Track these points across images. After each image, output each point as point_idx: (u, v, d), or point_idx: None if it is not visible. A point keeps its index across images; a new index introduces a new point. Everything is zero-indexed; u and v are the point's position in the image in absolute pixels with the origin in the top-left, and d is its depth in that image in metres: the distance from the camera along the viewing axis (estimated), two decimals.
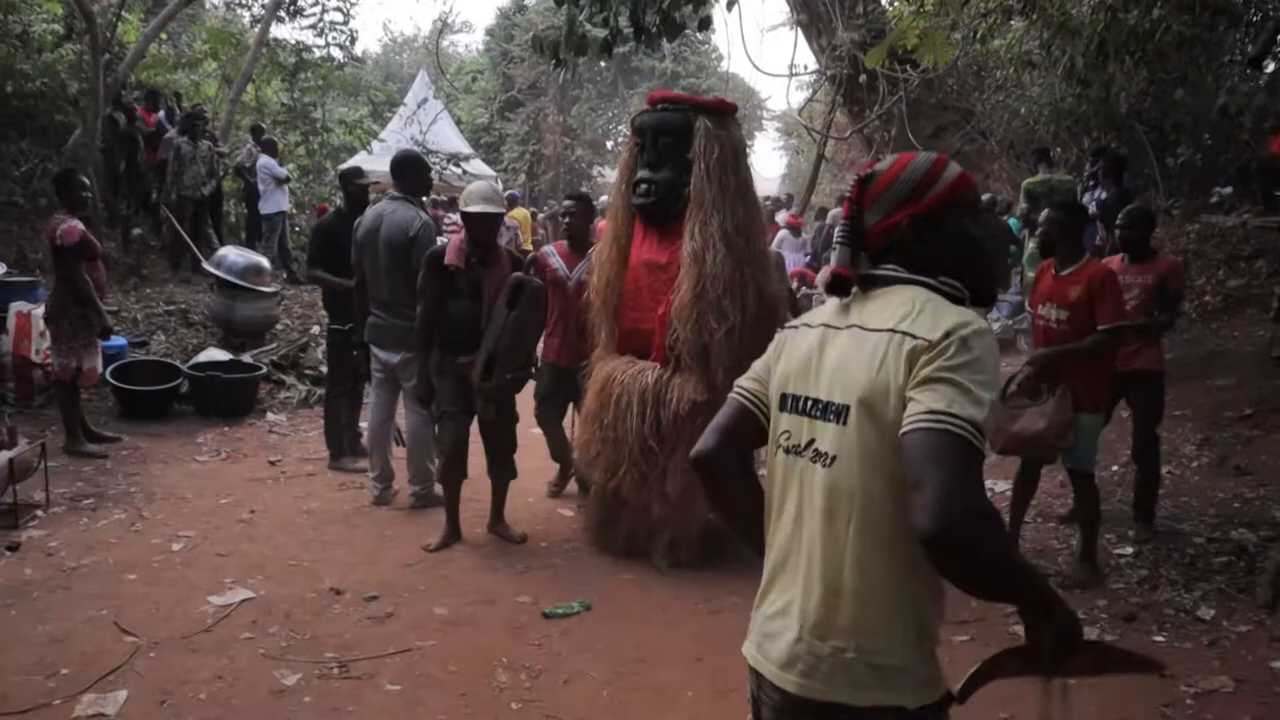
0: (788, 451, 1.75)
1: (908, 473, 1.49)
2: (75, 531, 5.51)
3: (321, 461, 6.97)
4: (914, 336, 1.60)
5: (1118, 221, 5.50)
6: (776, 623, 1.73)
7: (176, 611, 4.42)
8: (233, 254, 10.08)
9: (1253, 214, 10.96)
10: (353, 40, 17.65)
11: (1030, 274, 9.00)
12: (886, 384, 1.59)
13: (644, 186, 5.08)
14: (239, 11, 18.19)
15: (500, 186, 21.50)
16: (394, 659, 4.00)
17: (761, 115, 31.23)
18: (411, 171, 5.93)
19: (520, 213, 15.59)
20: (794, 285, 13.48)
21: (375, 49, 34.89)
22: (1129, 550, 5.08)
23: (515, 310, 5.11)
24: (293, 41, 16.65)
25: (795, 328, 1.86)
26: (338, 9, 16.87)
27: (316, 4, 16.78)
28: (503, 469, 5.51)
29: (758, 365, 1.92)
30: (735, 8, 7.58)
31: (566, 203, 6.54)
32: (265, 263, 10.37)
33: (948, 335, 1.57)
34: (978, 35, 10.16)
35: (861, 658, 1.61)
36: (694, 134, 4.96)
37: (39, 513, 5.76)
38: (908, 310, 1.66)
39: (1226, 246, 10.34)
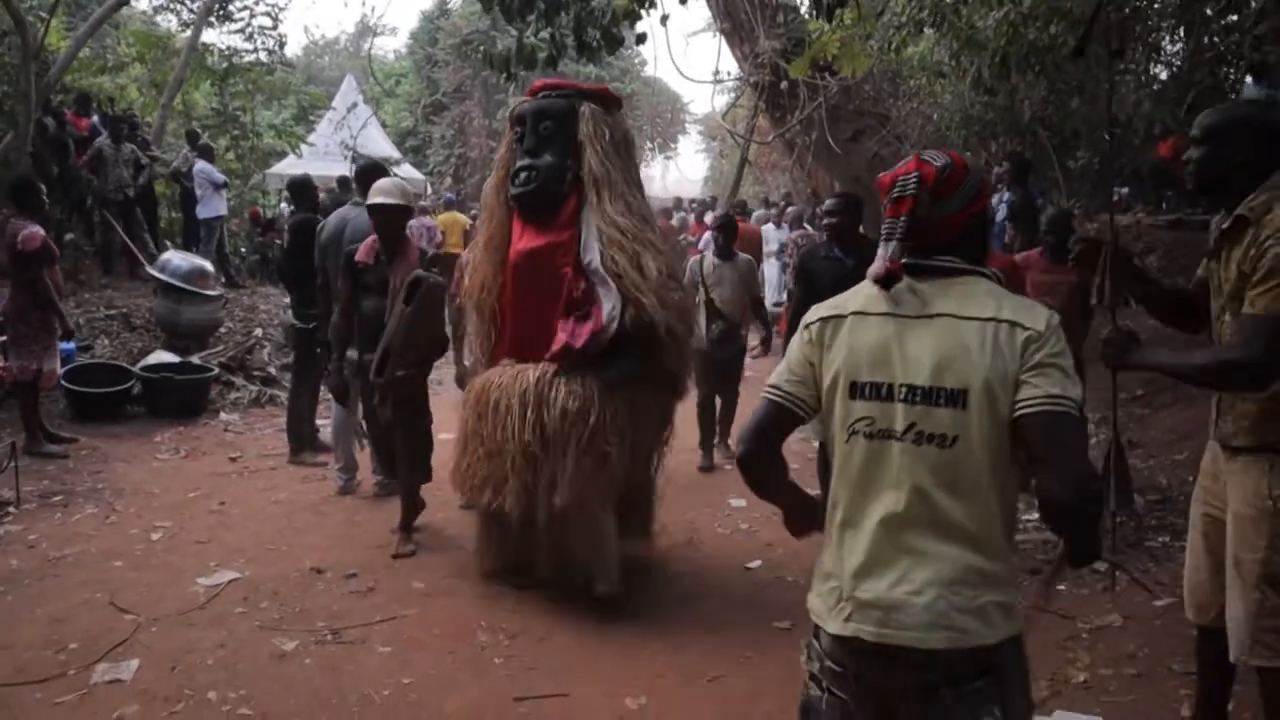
0: (870, 436, 1.91)
1: (1035, 448, 1.79)
2: (51, 525, 5.75)
3: (281, 457, 7.25)
4: (1024, 326, 1.83)
5: (1043, 227, 6.13)
6: (897, 593, 1.86)
7: (169, 592, 4.73)
8: (177, 258, 10.24)
9: (1145, 213, 11.82)
10: (281, 45, 17.76)
11: None
12: (1004, 370, 1.81)
13: (524, 175, 4.62)
14: (166, 15, 18.10)
15: (429, 189, 21.71)
16: (381, 626, 4.37)
17: (685, 119, 31.86)
18: (374, 180, 6.28)
19: (452, 216, 15.88)
20: None
21: (296, 52, 34.65)
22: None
23: (409, 306, 5.06)
24: (222, 46, 16.71)
25: (834, 318, 1.99)
26: (266, 14, 16.98)
27: (245, 9, 16.87)
28: (410, 471, 5.44)
29: (793, 363, 2.04)
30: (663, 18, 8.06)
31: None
32: (209, 266, 10.56)
33: (1049, 326, 1.84)
34: (892, 46, 10.77)
35: (994, 601, 1.85)
36: (579, 119, 4.65)
37: (11, 509, 5.98)
38: (995, 301, 1.89)
39: (1122, 243, 11.12)
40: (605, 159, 4.60)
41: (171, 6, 17.06)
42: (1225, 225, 2.74)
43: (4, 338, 7.56)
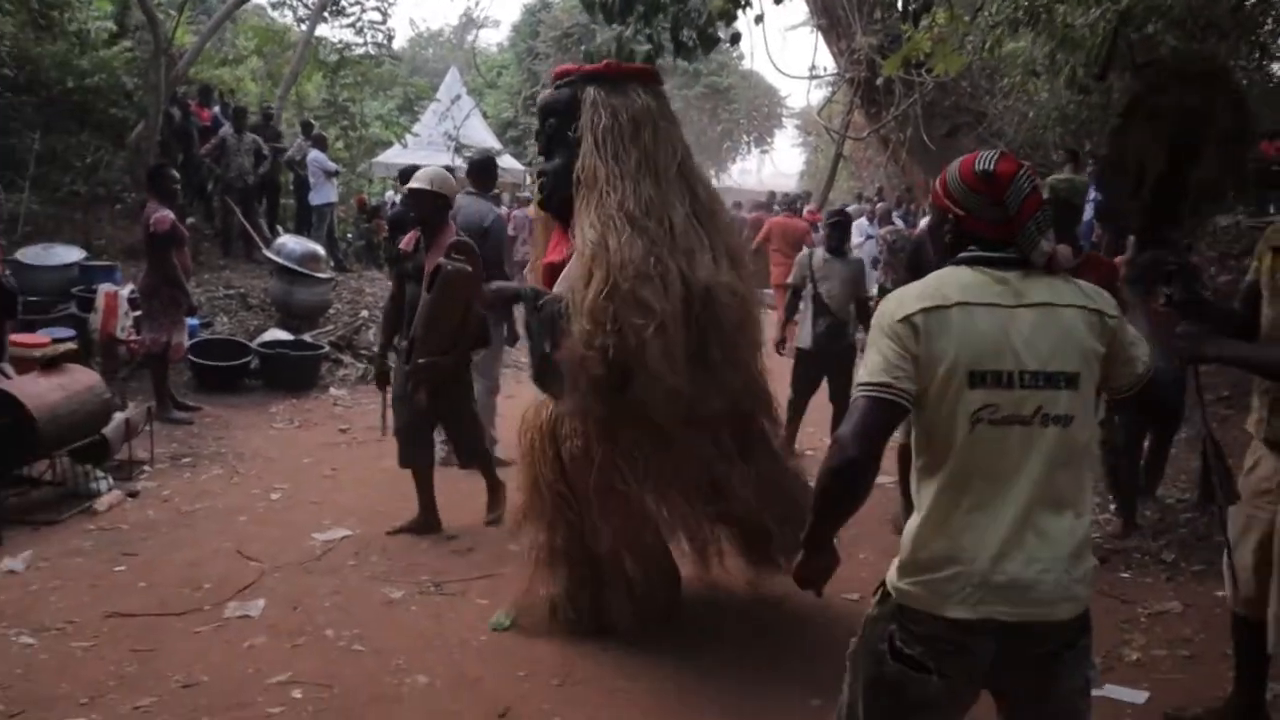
0: (995, 423, 1.99)
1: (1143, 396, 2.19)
2: (182, 483, 6.30)
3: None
4: (1106, 315, 2.09)
5: None
6: (1030, 573, 1.99)
7: (288, 545, 5.20)
8: (291, 242, 10.85)
9: (1246, 214, 11.62)
10: (389, 38, 18.44)
11: None
12: (1095, 352, 2.06)
13: (540, 180, 4.42)
14: (282, 10, 18.93)
15: (529, 180, 22.23)
16: (480, 582, 4.77)
17: (781, 113, 31.91)
18: (485, 171, 6.73)
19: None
20: None
21: (401, 44, 35.67)
22: (1111, 509, 5.79)
23: (429, 294, 5.08)
24: (335, 40, 17.43)
25: (937, 309, 2.03)
26: (376, 8, 17.66)
27: (356, 4, 17.56)
28: (467, 456, 5.70)
29: (892, 359, 2.01)
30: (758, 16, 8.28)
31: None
32: (321, 251, 11.15)
33: (1117, 309, 2.14)
34: (987, 44, 10.84)
35: (1093, 564, 2.10)
36: (580, 108, 4.14)
37: (146, 467, 6.54)
38: (1075, 289, 2.11)
39: (1219, 245, 10.98)
40: (599, 150, 4.03)
41: (289, 2, 17.86)
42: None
43: (138, 312, 8.22)
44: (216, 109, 14.05)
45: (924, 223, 12.26)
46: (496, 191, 7.73)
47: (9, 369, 5.73)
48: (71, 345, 6.42)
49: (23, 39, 12.93)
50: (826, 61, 20.30)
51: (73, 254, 9.96)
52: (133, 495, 5.98)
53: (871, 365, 2.04)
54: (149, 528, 5.45)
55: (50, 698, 3.61)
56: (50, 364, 5.76)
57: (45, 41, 13.31)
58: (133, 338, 8.29)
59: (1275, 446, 2.87)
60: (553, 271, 4.23)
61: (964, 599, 1.99)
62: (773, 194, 21.10)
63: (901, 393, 2.00)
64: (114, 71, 13.77)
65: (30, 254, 9.74)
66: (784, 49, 22.11)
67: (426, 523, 5.45)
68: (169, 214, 7.66)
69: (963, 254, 2.15)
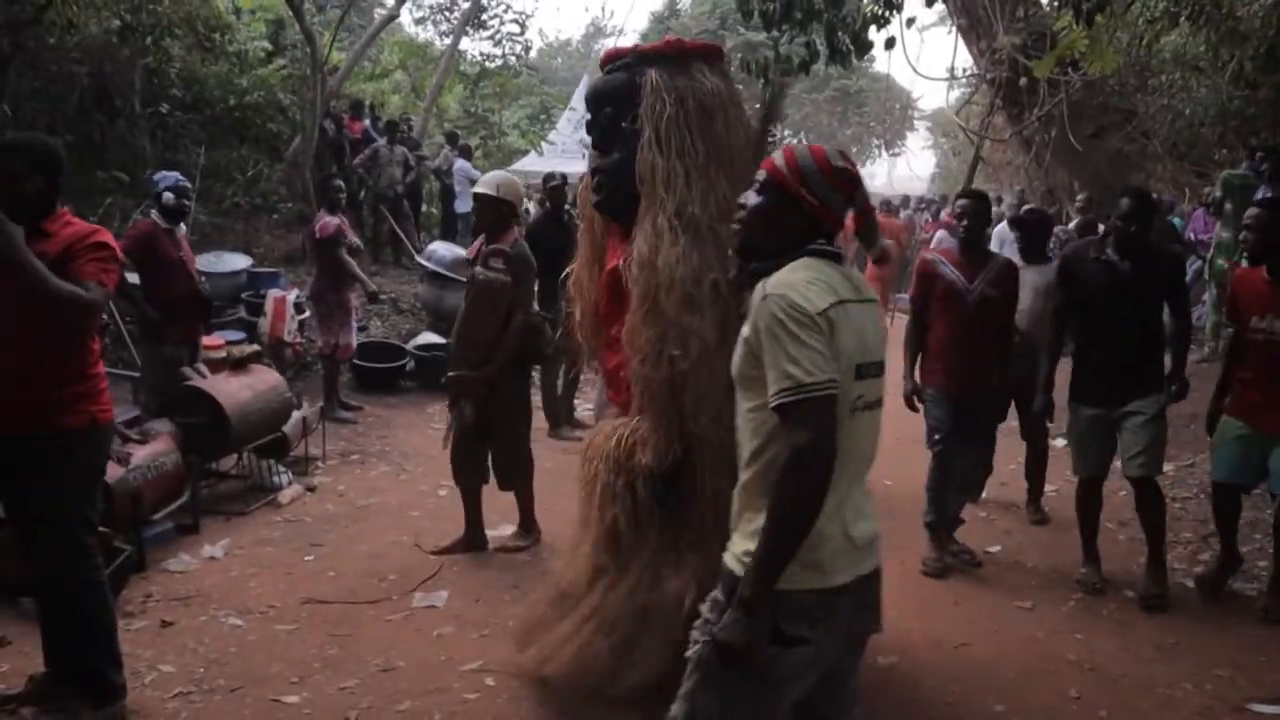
0: (865, 409, 2.14)
1: None
2: (354, 479, 6.60)
3: (541, 431, 7.92)
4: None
5: None
6: (870, 531, 2.19)
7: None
8: (441, 249, 11.23)
9: None
10: (527, 50, 18.88)
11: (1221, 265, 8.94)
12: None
13: (596, 178, 3.77)
14: (425, 26, 19.59)
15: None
16: None
17: (913, 115, 31.42)
18: None
19: None
20: None
21: (532, 54, 36.33)
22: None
23: (465, 304, 4.92)
24: (475, 53, 17.96)
25: (841, 303, 2.07)
26: (515, 21, 18.11)
27: (495, 17, 18.05)
28: (503, 478, 5.31)
29: (825, 352, 2.00)
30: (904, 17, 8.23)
31: (961, 201, 5.39)
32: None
33: None
34: (1143, 40, 10.50)
35: None
36: (641, 93, 3.55)
37: (319, 464, 6.88)
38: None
39: None
40: (661, 143, 3.45)
41: (432, 18, 18.45)
42: None
43: (303, 316, 8.63)
44: (366, 122, 14.61)
45: (1071, 226, 11.95)
46: None
47: (204, 369, 6.10)
48: (255, 347, 6.79)
49: (189, 61, 13.72)
50: (965, 62, 19.85)
51: (241, 261, 10.50)
52: (310, 490, 6.30)
53: (808, 361, 1.98)
54: (329, 520, 5.74)
55: (263, 676, 3.86)
56: (239, 365, 6.11)
57: (209, 62, 14.09)
58: (298, 340, 8.71)
59: None
60: (615, 277, 3.64)
61: (839, 566, 2.10)
62: (906, 197, 20.84)
63: (837, 385, 2.01)
64: (271, 89, 14.50)
65: (204, 261, 10.26)
66: (920, 50, 21.65)
67: (472, 541, 5.31)
68: (334, 220, 8.05)
69: (814, 247, 2.16)
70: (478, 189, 5.12)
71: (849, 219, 2.37)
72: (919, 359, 5.26)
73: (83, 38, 11.69)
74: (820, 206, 2.16)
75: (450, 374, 4.98)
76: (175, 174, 6.40)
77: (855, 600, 2.15)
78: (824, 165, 2.17)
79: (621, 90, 3.63)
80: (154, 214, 6.14)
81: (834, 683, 2.22)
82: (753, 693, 2.07)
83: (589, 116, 3.84)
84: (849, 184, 2.19)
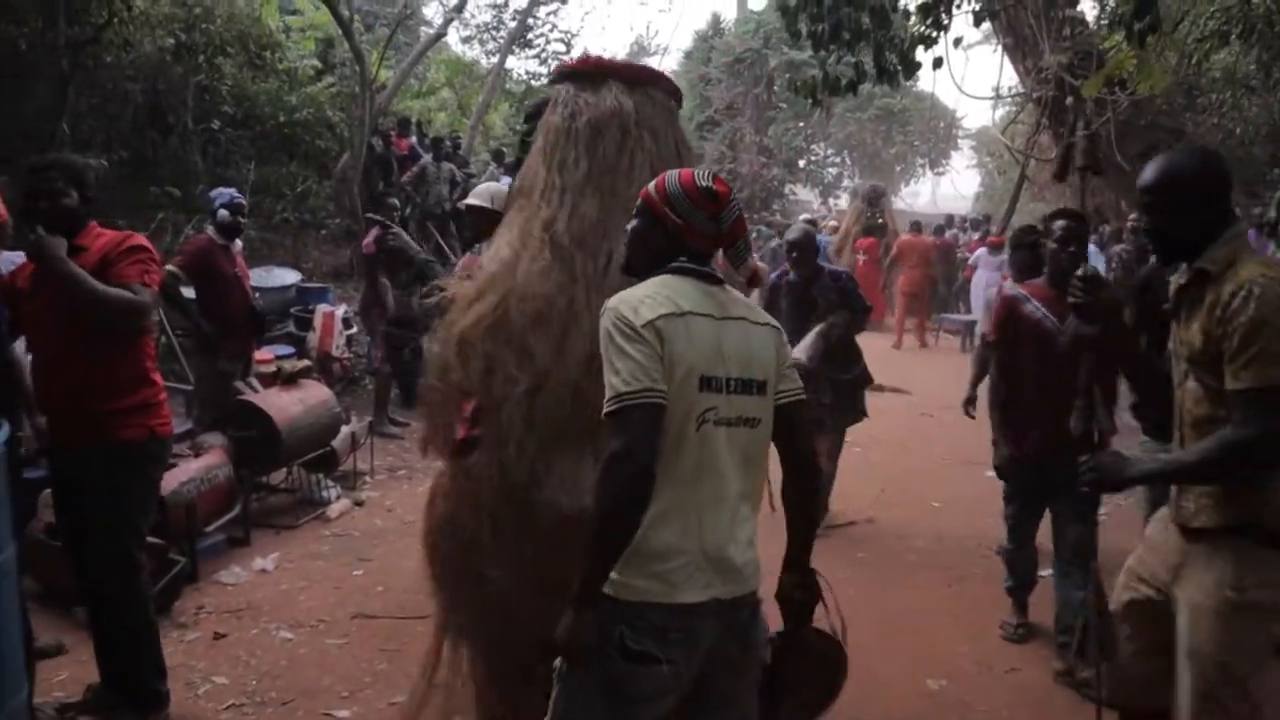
0: (716, 424, 2.13)
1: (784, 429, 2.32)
2: (402, 494, 6.65)
3: None
4: (781, 333, 2.34)
5: None
6: (738, 553, 2.17)
7: None
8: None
9: None
10: None
11: None
12: (775, 364, 2.27)
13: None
14: (471, 45, 19.80)
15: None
16: None
17: (957, 134, 31.24)
18: None
19: None
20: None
21: None
22: None
23: None
24: (521, 72, 18.13)
25: (674, 315, 2.11)
26: (560, 40, 18.25)
27: (540, 36, 18.21)
28: None
29: (646, 363, 2.04)
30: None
31: (1059, 223, 4.44)
32: None
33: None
34: (1193, 59, 10.39)
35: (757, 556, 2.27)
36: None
37: (367, 478, 6.95)
38: (760, 310, 2.35)
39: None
40: (545, 154, 3.30)
41: (478, 37, 18.65)
42: (1183, 281, 2.52)
43: (351, 331, 8.74)
44: (413, 139, 14.78)
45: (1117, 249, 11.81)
46: None
47: (256, 383, 6.19)
48: (306, 362, 6.88)
49: (240, 78, 13.96)
50: (1010, 80, 19.73)
51: (290, 276, 10.65)
52: (359, 504, 6.37)
53: (627, 372, 2.03)
54: (378, 535, 5.79)
55: (314, 689, 3.90)
56: (290, 379, 6.19)
57: (259, 80, 14.33)
58: (345, 355, 8.82)
59: (1184, 528, 2.53)
60: None
61: (692, 584, 2.09)
62: (950, 216, 20.71)
63: (662, 394, 2.05)
64: (319, 106, 14.71)
65: (254, 276, 10.35)
66: (965, 68, 21.57)
67: None
68: None
69: (675, 264, 2.22)
70: (469, 200, 4.90)
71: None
72: (995, 404, 4.60)
73: (138, 56, 11.95)
74: (684, 225, 2.22)
75: None
76: (231, 190, 6.50)
77: (723, 624, 2.16)
78: (688, 185, 2.24)
79: (540, 105, 3.60)
80: (210, 229, 6.25)
81: (713, 705, 2.23)
82: (608, 707, 2.11)
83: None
84: (712, 202, 2.23)
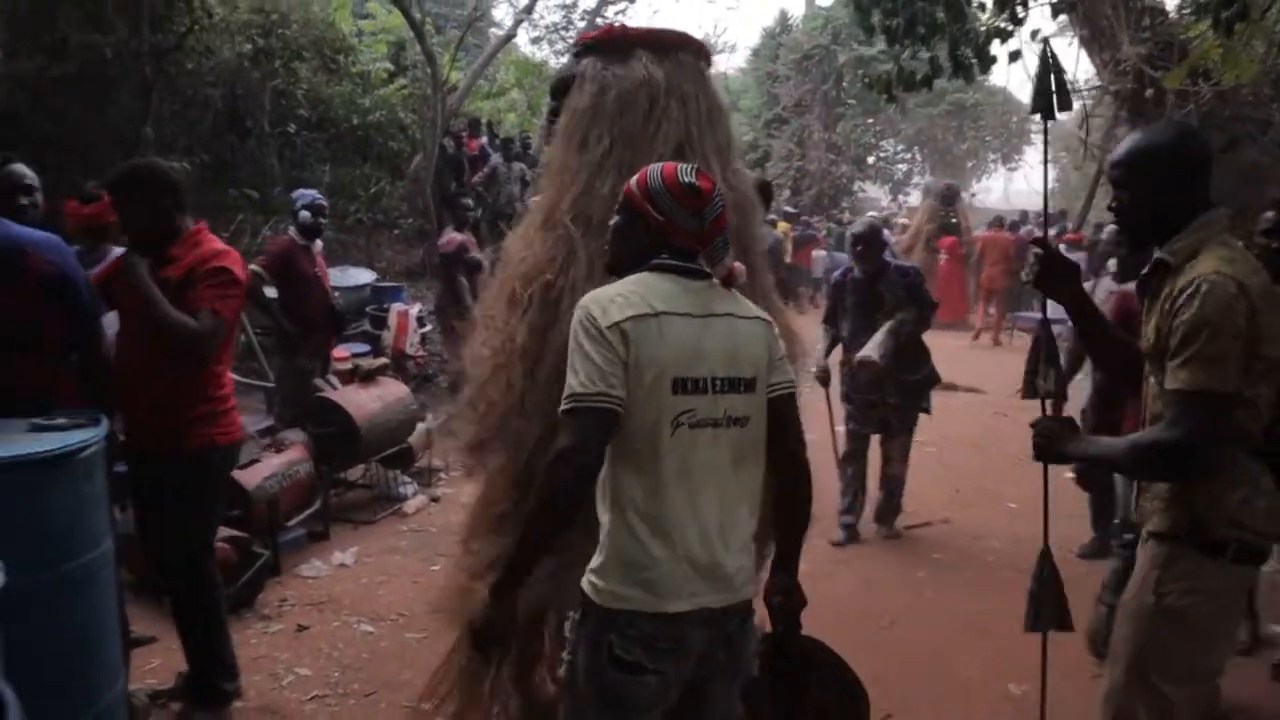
0: (693, 426, 2.07)
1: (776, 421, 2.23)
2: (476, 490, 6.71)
3: None
4: (771, 325, 2.25)
5: None
6: (729, 560, 2.10)
7: None
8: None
9: None
10: None
11: None
12: (766, 359, 2.19)
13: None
14: (541, 45, 19.94)
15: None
16: None
17: (1030, 129, 30.66)
18: (761, 193, 6.84)
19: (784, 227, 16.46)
20: None
21: None
22: None
23: None
24: None
25: (644, 317, 2.05)
26: None
27: None
28: None
29: (605, 367, 2.00)
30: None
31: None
32: None
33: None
34: None
35: (753, 558, 2.23)
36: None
37: (442, 475, 7.03)
38: (748, 304, 2.26)
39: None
40: (568, 133, 3.23)
41: (547, 37, 18.75)
42: (1145, 271, 2.42)
43: (425, 330, 8.86)
44: (483, 139, 14.93)
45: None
46: (772, 218, 7.84)
47: (335, 381, 6.31)
48: (384, 360, 6.99)
49: (315, 82, 14.23)
50: (1086, 73, 19.31)
51: (365, 276, 10.81)
52: (434, 500, 6.45)
53: (585, 374, 2.00)
54: (453, 531, 5.80)
55: (396, 682, 3.96)
56: (368, 377, 6.30)
57: (333, 83, 14.59)
58: (419, 353, 8.94)
59: (1139, 527, 2.49)
60: None
61: (679, 593, 2.05)
62: (1025, 213, 20.33)
63: (617, 400, 2.00)
64: (392, 108, 14.95)
65: (331, 276, 10.64)
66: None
67: None
68: (457, 236, 8.26)
69: (657, 260, 2.17)
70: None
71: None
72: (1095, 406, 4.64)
73: (217, 63, 12.24)
74: (665, 221, 2.16)
75: None
76: (312, 192, 6.63)
77: (712, 632, 2.11)
78: (670, 181, 2.18)
79: (565, 81, 3.44)
80: (291, 230, 6.38)
81: (700, 711, 2.21)
82: (609, 713, 2.09)
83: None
84: (694, 198, 2.17)
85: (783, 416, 2.23)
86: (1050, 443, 2.52)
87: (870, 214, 15.98)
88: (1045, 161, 3.13)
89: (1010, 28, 7.25)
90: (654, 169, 2.23)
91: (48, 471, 2.44)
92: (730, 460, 2.13)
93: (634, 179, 2.25)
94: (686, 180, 2.17)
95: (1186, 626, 2.32)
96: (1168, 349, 2.25)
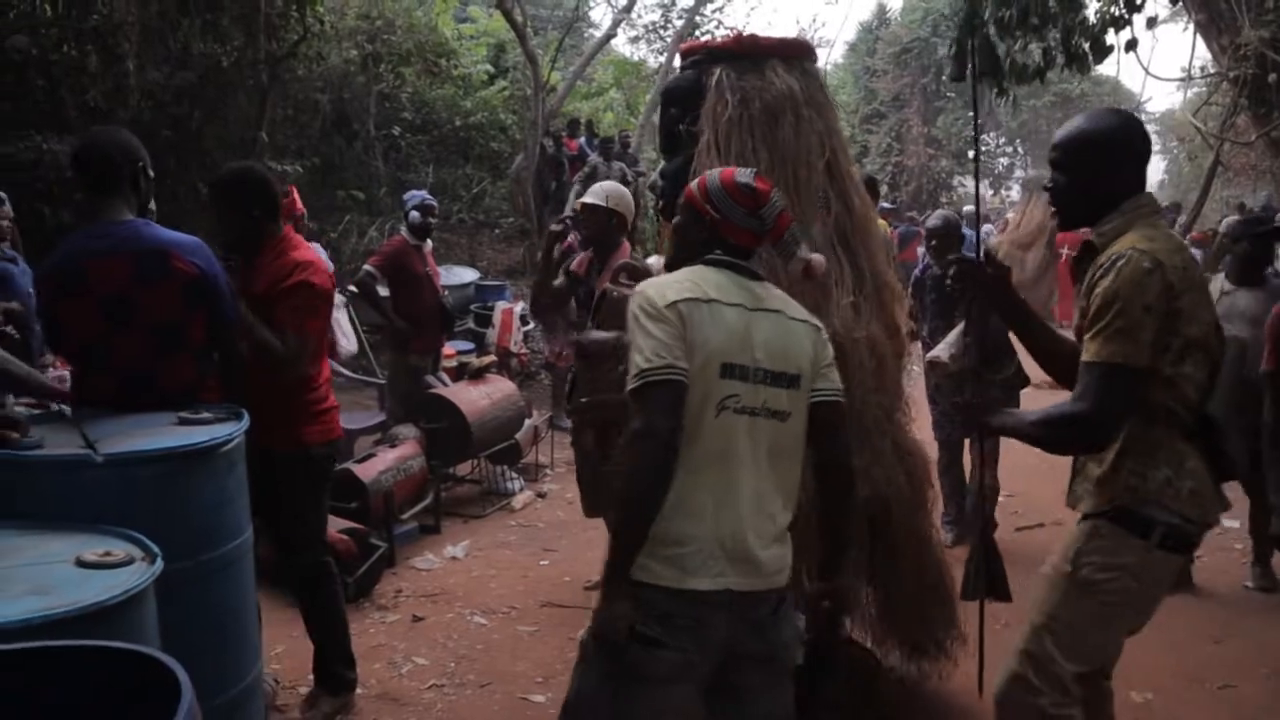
0: (737, 412, 2.12)
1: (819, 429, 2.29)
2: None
3: None
4: (822, 331, 2.31)
5: None
6: (758, 546, 2.13)
7: None
8: (656, 262, 11.44)
9: None
10: None
11: None
12: (812, 362, 2.24)
13: (659, 184, 3.58)
14: (638, 45, 20.03)
15: None
16: None
17: (1141, 118, 29.69)
18: (871, 191, 6.78)
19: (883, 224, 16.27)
20: None
21: None
22: None
23: (593, 323, 4.18)
24: None
25: (698, 301, 2.13)
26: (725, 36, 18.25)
27: (707, 34, 18.22)
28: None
29: (669, 341, 2.07)
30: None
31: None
32: None
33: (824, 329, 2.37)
34: None
35: (789, 546, 2.25)
36: (706, 94, 3.31)
37: (548, 471, 7.13)
38: (800, 306, 2.32)
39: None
40: (719, 148, 3.19)
41: (645, 37, 18.83)
42: (1075, 254, 2.41)
43: (529, 327, 8.99)
44: (582, 139, 15.07)
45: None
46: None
47: (445, 378, 6.45)
48: (492, 358, 7.12)
49: (419, 86, 14.54)
50: (1201, 59, 18.60)
51: (469, 274, 11.05)
52: (541, 496, 6.55)
53: (650, 350, 2.06)
54: (561, 527, 5.95)
55: (510, 673, 4.05)
56: (477, 374, 6.42)
57: (436, 86, 14.89)
58: (523, 350, 9.07)
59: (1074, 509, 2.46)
60: None
61: (704, 571, 2.07)
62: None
63: (683, 371, 2.06)
64: (493, 109, 15.20)
65: None
66: (1152, 49, 20.16)
67: None
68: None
69: (711, 256, 2.25)
70: (585, 199, 4.72)
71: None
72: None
73: (326, 69, 12.59)
74: (720, 219, 2.26)
75: (582, 400, 3.91)
76: (422, 193, 6.79)
77: (736, 617, 2.13)
78: (727, 182, 2.28)
79: (687, 90, 3.41)
80: (402, 230, 6.53)
81: (742, 701, 2.23)
82: (619, 684, 2.12)
83: (660, 121, 3.63)
84: (749, 198, 2.26)
85: (826, 422, 2.29)
86: (975, 415, 2.67)
87: (965, 208, 15.63)
88: (976, 136, 3.09)
89: (1126, 15, 7.05)
90: (713, 172, 2.35)
91: (194, 463, 2.55)
92: (766, 451, 2.18)
93: (694, 182, 2.38)
94: (742, 181, 2.28)
95: (1096, 601, 2.34)
96: (1088, 319, 2.27)
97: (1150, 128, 23.59)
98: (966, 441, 5.67)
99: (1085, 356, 2.24)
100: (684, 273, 2.23)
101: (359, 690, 3.78)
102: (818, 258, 2.39)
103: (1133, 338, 2.16)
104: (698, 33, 17.65)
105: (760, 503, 2.16)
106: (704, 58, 3.41)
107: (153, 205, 3.16)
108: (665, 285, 2.17)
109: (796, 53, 3.44)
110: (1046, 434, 2.38)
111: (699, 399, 2.09)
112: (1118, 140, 2.39)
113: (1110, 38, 7.09)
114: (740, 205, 2.26)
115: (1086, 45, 6.88)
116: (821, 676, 2.43)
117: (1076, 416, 2.24)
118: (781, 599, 2.24)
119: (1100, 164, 2.38)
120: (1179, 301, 2.19)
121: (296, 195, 7.25)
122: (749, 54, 3.34)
